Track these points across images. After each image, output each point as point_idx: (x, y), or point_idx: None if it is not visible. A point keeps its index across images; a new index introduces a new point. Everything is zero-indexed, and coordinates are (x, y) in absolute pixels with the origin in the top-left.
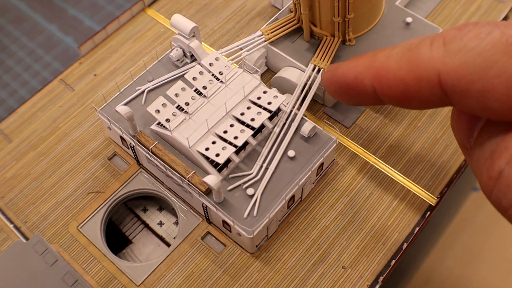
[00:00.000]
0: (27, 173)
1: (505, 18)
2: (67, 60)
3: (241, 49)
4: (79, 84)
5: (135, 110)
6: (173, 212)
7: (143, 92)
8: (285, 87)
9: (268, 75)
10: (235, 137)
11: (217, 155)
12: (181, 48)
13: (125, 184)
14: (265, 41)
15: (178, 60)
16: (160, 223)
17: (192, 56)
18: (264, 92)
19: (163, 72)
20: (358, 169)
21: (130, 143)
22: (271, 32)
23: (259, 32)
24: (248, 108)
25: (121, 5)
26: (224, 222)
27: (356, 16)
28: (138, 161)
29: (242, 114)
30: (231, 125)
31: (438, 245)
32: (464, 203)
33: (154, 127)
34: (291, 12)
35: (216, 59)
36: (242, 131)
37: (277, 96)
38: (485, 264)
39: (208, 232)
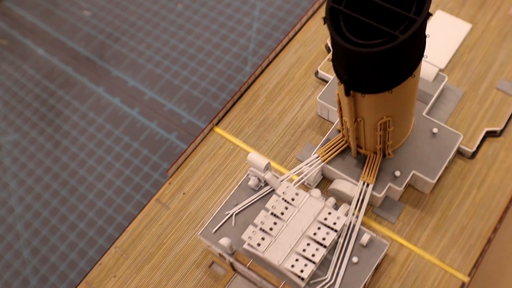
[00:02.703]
0: (146, 285)
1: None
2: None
3: (302, 171)
4: (172, 202)
5: (228, 231)
6: None
7: (231, 215)
8: (339, 195)
9: (324, 182)
10: (313, 255)
11: (302, 271)
12: (256, 177)
13: (226, 287)
14: (321, 162)
15: (255, 186)
16: None
17: (265, 182)
18: (329, 213)
19: (243, 196)
20: (405, 258)
21: (229, 260)
22: (326, 153)
23: (316, 155)
24: (319, 228)
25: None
26: None
27: (393, 138)
28: (234, 269)
29: (314, 234)
30: (308, 244)
31: None
32: None
33: (246, 247)
34: (339, 132)
35: (287, 187)
36: (317, 249)
37: (339, 217)
38: None
39: None
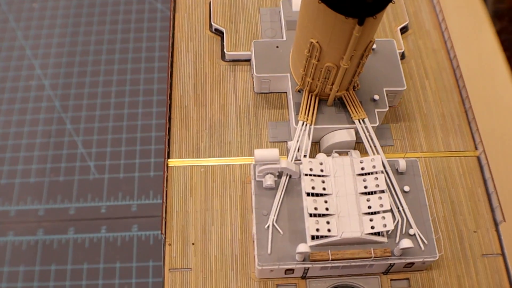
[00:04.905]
0: None
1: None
2: None
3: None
4: (188, 261)
5: (281, 242)
6: None
7: (273, 226)
8: (339, 147)
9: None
10: (381, 205)
11: (384, 225)
12: (271, 173)
13: None
14: (310, 125)
15: (273, 183)
16: None
17: (279, 173)
18: (361, 162)
19: (267, 201)
20: (424, 166)
21: (305, 267)
22: (307, 116)
23: (300, 122)
24: (364, 180)
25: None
26: (408, 263)
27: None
28: (303, 276)
29: (365, 187)
30: (368, 200)
31: None
32: None
33: (312, 243)
34: (300, 92)
35: (309, 162)
36: (380, 198)
37: (373, 159)
38: None
39: (390, 279)
